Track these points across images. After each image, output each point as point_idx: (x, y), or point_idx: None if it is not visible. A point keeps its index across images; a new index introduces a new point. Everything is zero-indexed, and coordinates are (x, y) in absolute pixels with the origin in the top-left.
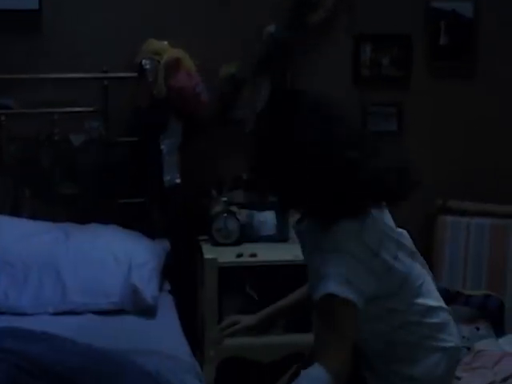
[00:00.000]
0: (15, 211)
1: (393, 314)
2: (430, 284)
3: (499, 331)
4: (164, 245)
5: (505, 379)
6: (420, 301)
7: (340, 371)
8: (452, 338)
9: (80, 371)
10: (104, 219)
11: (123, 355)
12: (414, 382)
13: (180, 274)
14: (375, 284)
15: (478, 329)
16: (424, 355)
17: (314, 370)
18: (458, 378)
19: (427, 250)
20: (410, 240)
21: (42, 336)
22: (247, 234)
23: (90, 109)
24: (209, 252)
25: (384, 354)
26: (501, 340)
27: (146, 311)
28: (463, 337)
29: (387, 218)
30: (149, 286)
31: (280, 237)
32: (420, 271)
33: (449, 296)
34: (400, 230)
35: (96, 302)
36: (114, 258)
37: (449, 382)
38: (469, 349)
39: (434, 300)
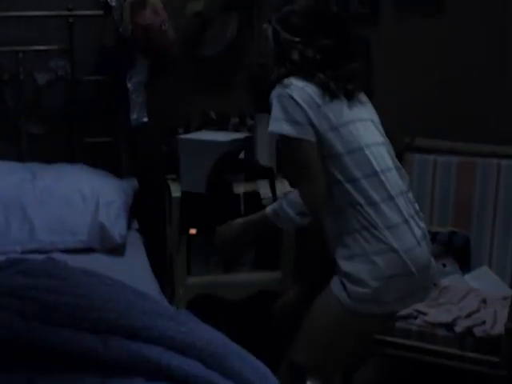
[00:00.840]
0: None
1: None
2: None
3: (465, 267)
4: (132, 183)
5: (469, 314)
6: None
7: (313, 197)
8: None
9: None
10: (71, 159)
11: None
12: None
13: (148, 212)
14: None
15: (444, 265)
16: (362, 253)
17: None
18: (424, 314)
19: None
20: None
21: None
22: None
23: (55, 47)
24: (177, 190)
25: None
26: (466, 276)
27: (114, 249)
28: None
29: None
30: (116, 223)
31: None
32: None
33: None
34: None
35: (63, 240)
36: (81, 196)
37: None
38: (435, 285)
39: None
